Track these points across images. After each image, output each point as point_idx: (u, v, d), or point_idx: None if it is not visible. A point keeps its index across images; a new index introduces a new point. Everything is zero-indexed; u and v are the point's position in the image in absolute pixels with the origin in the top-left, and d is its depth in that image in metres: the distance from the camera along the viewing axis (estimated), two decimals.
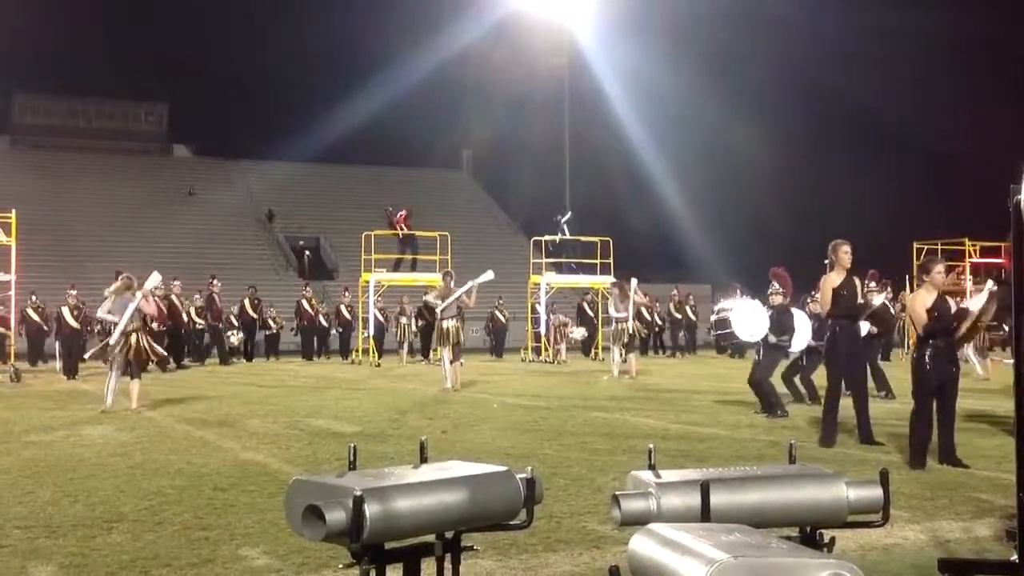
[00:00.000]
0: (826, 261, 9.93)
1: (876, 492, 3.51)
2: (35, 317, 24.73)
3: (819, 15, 43.84)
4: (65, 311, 22.33)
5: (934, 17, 42.83)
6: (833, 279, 9.76)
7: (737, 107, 46.68)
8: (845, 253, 9.78)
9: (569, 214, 31.99)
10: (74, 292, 22.84)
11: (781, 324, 12.86)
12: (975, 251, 26.64)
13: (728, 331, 13.40)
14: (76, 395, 16.11)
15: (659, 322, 31.64)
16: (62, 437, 10.45)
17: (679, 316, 31.50)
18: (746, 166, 47.38)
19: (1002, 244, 27.82)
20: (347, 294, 30.17)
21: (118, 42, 57.28)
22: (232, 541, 5.83)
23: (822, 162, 48.97)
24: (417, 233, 28.30)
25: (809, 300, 15.02)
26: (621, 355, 19.87)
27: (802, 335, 13.48)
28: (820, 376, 14.16)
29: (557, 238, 30.71)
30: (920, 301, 8.46)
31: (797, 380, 14.11)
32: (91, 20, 54.51)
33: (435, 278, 27.17)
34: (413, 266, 27.57)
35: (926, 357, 8.38)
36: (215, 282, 26.21)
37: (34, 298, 24.83)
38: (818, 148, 48.69)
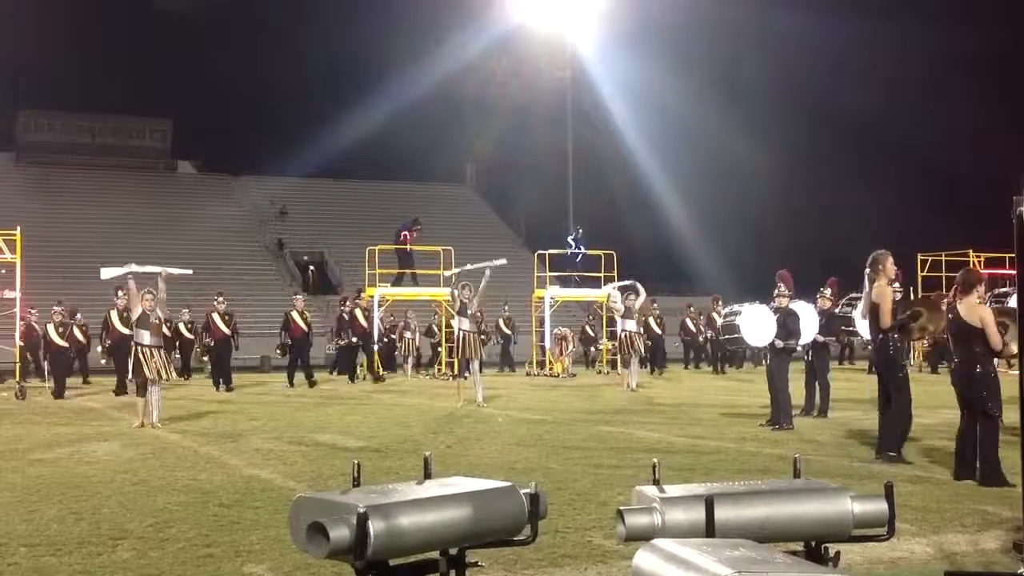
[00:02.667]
0: (867, 271, 9.62)
1: (881, 506, 3.50)
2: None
3: (821, 28, 43.86)
4: (50, 328, 21.37)
5: (937, 30, 42.89)
6: (890, 291, 9.52)
7: (740, 120, 46.70)
8: (892, 264, 9.67)
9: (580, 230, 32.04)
10: (59, 308, 22.01)
11: (787, 327, 12.89)
12: (979, 262, 26.61)
13: (737, 336, 13.43)
14: (81, 412, 16.12)
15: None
16: (67, 454, 10.45)
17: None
18: (749, 178, 47.37)
19: (1007, 255, 27.83)
20: (346, 304, 29.31)
21: (122, 59, 57.46)
22: (237, 558, 5.82)
23: (825, 174, 49.00)
24: (420, 248, 28.30)
25: (818, 296, 15.08)
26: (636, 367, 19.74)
27: (808, 330, 13.54)
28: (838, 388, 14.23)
29: (573, 250, 30.64)
30: (992, 315, 8.26)
31: (817, 389, 14.12)
32: (95, 37, 54.71)
33: (439, 292, 27.24)
34: (415, 280, 27.52)
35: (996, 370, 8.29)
36: (298, 298, 24.39)
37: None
38: (821, 160, 48.72)
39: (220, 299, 22.00)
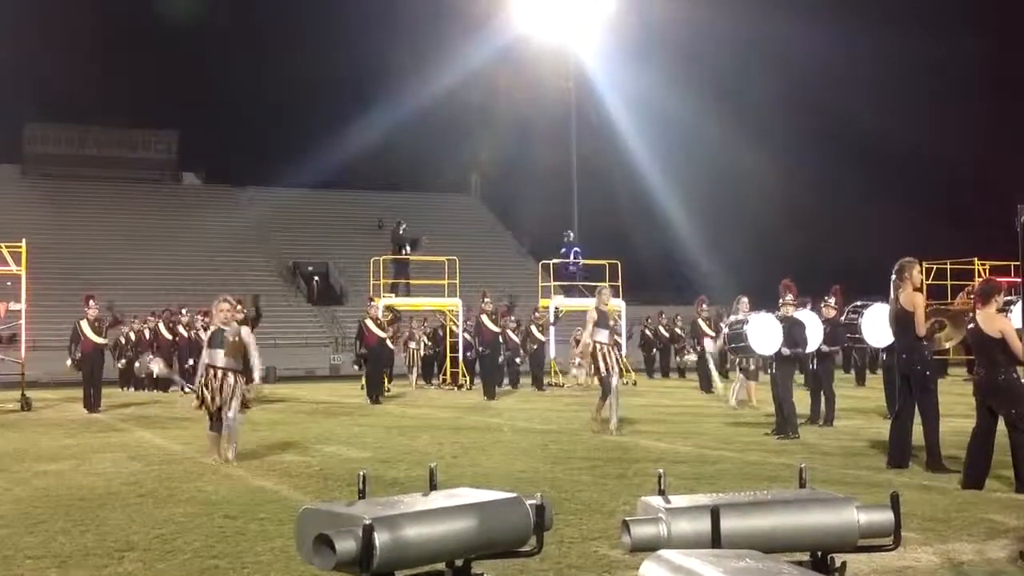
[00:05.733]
0: (893, 278, 9.56)
1: (887, 516, 3.49)
2: (166, 334, 24.61)
3: (823, 38, 43.93)
4: (84, 324, 19.32)
5: (939, 40, 42.93)
6: (922, 298, 9.47)
7: (743, 130, 46.77)
8: (919, 273, 9.67)
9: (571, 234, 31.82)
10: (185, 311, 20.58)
11: (793, 336, 12.88)
12: (984, 270, 26.55)
13: (744, 344, 13.41)
14: (87, 424, 16.13)
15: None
16: (73, 466, 10.46)
17: (666, 335, 31.32)
18: (752, 188, 47.42)
19: (1012, 263, 27.75)
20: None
21: (126, 71, 57.70)
22: (243, 569, 5.82)
23: (828, 183, 49.01)
24: (424, 258, 28.26)
25: (823, 305, 15.07)
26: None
27: (813, 339, 13.55)
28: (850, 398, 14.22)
29: (572, 260, 30.45)
30: (1010, 324, 8.27)
31: (822, 398, 14.07)
32: (100, 49, 54.93)
33: (444, 302, 27.20)
34: (407, 291, 27.25)
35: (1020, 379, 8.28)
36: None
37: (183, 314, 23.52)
38: (824, 169, 48.72)
39: (239, 307, 20.26)
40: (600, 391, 13.61)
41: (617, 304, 28.52)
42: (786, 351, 12.87)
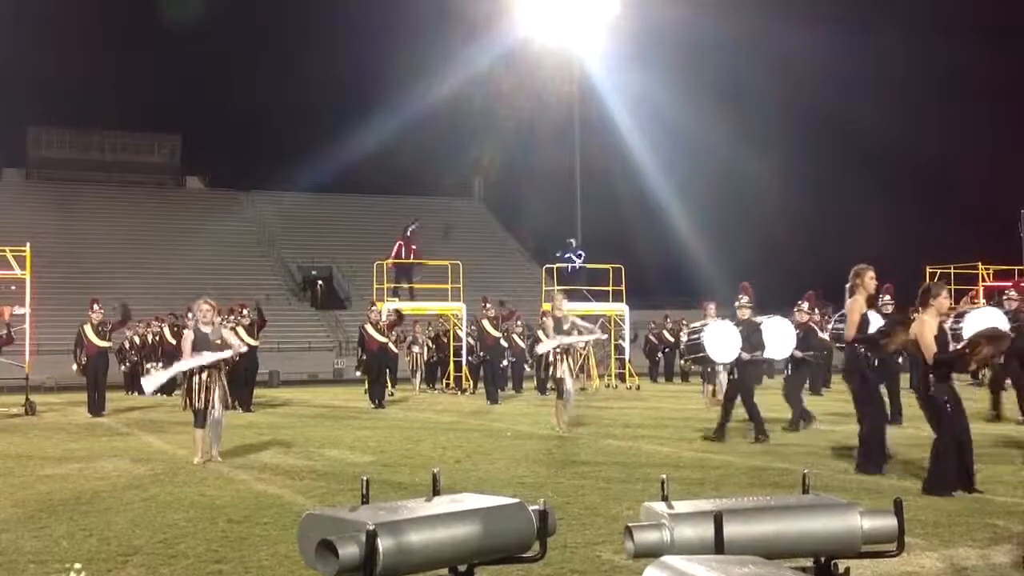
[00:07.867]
0: (847, 285, 9.79)
1: (890, 521, 3.49)
2: (170, 339, 24.38)
3: (825, 41, 43.93)
4: (87, 329, 19.19)
5: (945, 44, 42.91)
6: (862, 304, 9.67)
7: (747, 134, 46.77)
8: (871, 279, 9.78)
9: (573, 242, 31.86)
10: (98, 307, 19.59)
11: (751, 340, 12.77)
12: (988, 275, 26.56)
13: (702, 355, 13.32)
14: (91, 428, 16.14)
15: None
16: (77, 470, 10.47)
17: (671, 339, 31.34)
18: (756, 192, 47.41)
19: (1016, 267, 27.78)
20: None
21: (131, 75, 57.79)
22: (246, 574, 5.82)
23: (832, 187, 48.99)
24: (428, 261, 28.25)
25: (796, 310, 15.01)
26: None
27: (785, 344, 13.45)
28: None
29: (566, 259, 30.48)
30: (928, 327, 8.33)
31: (804, 399, 14.03)
32: (104, 53, 54.99)
33: (447, 307, 27.21)
34: (411, 295, 27.23)
35: (944, 384, 8.30)
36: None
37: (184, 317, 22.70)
38: (828, 174, 48.74)
39: (244, 312, 19.36)
40: (557, 393, 14.05)
41: (620, 308, 28.59)
42: (746, 355, 12.74)
